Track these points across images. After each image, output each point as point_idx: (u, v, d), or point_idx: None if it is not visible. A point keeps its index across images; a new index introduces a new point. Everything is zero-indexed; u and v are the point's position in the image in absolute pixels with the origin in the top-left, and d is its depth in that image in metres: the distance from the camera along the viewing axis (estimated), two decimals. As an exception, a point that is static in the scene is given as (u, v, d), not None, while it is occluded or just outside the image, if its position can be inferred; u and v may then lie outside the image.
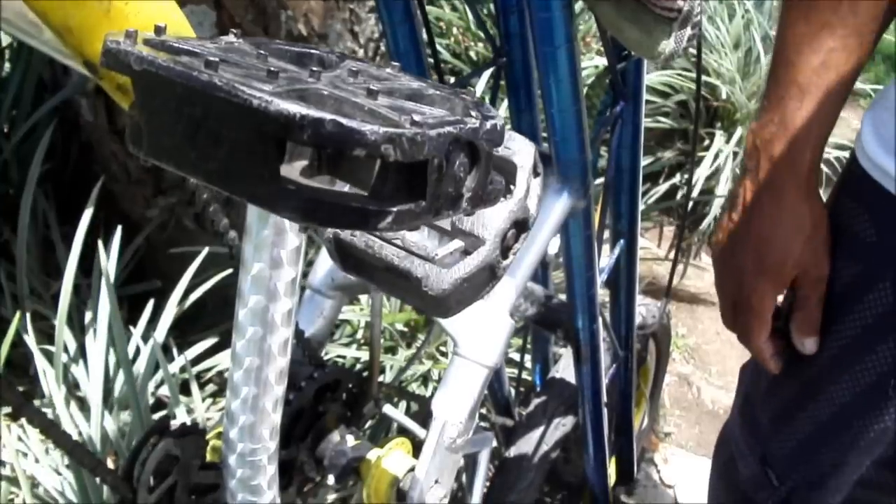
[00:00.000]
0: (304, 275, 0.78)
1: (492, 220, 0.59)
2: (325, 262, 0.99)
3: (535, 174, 0.61)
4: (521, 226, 0.60)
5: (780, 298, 1.09)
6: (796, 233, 0.99)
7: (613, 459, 1.71)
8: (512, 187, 0.59)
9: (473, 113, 0.41)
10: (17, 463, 1.38)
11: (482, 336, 0.90)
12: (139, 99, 0.39)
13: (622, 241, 1.25)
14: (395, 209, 0.36)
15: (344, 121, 0.33)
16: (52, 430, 0.69)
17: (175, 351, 1.73)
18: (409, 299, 0.62)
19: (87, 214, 1.61)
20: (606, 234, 1.31)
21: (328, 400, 0.94)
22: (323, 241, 0.64)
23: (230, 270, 1.80)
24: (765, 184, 0.99)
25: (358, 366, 1.82)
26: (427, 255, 0.58)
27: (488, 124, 0.40)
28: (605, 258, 1.25)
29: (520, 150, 0.59)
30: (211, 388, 1.83)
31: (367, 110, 0.36)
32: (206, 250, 1.70)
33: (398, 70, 0.47)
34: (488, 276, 0.60)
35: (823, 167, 3.04)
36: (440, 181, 0.37)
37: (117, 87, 0.48)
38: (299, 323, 0.98)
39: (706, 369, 2.79)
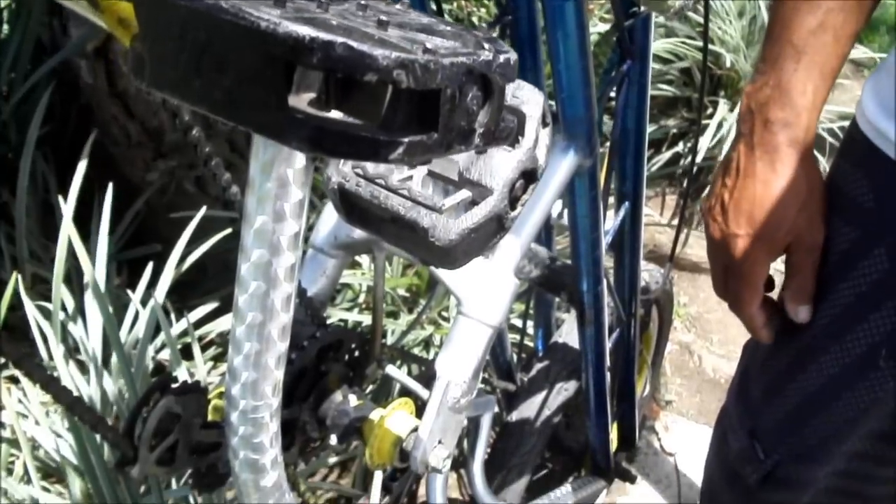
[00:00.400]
0: (307, 236, 0.77)
1: (500, 170, 0.58)
2: (327, 221, 0.98)
3: (544, 124, 0.59)
4: (529, 176, 0.59)
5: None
6: (791, 198, 0.97)
7: (615, 425, 1.71)
8: (520, 137, 0.58)
9: (486, 46, 0.40)
10: (17, 425, 1.37)
11: (486, 295, 0.89)
12: (142, 26, 0.37)
13: (627, 204, 1.24)
14: (406, 140, 0.35)
15: (355, 44, 0.32)
16: (51, 386, 0.68)
17: (173, 317, 1.72)
18: (416, 251, 0.61)
19: (82, 166, 1.59)
20: (611, 200, 1.30)
21: (330, 360, 0.93)
22: (328, 191, 0.63)
23: (229, 230, 1.79)
24: (759, 148, 0.97)
25: (360, 329, 1.81)
26: (434, 206, 0.57)
27: (501, 58, 0.39)
28: (610, 221, 1.23)
29: (528, 99, 0.58)
30: (212, 352, 1.83)
31: (377, 39, 0.34)
32: (203, 210, 1.69)
33: (407, 7, 0.46)
34: (496, 226, 0.59)
35: (826, 136, 3.02)
36: (452, 112, 0.36)
37: (119, 22, 0.46)
38: (301, 282, 0.97)
39: (707, 338, 2.79)
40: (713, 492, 1.49)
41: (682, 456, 2.38)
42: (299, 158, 0.57)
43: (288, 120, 0.35)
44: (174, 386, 0.79)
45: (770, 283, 1.08)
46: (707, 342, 2.78)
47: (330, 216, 0.98)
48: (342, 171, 0.61)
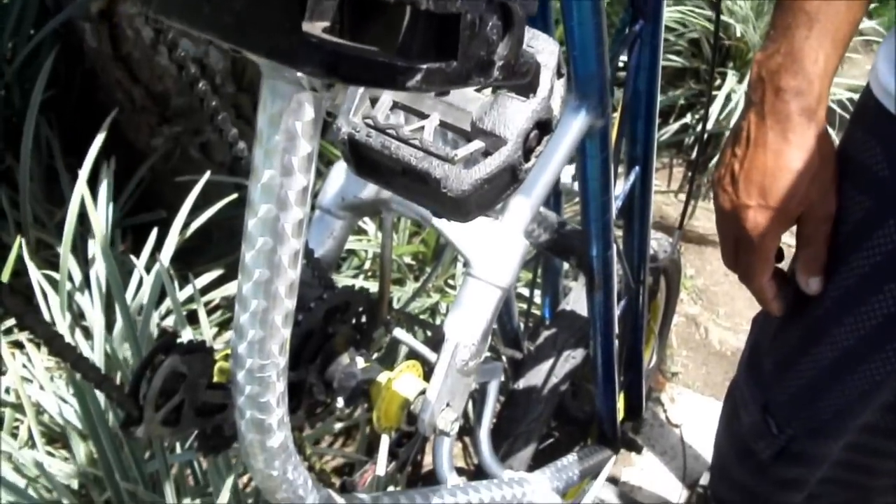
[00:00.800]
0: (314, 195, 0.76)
1: (514, 120, 0.56)
2: (335, 182, 0.97)
3: (559, 75, 0.58)
4: (544, 127, 0.58)
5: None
6: (803, 168, 0.95)
7: (622, 395, 1.70)
8: (535, 86, 0.56)
9: (507, -26, 0.38)
10: (21, 389, 1.37)
11: (496, 256, 0.88)
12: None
13: (637, 168, 1.22)
14: (424, 66, 0.34)
15: (372, -40, 0.31)
16: (55, 342, 0.67)
17: (177, 284, 1.71)
18: (427, 203, 0.59)
19: (99, 139, 1.57)
20: (620, 169, 1.28)
21: (338, 322, 0.92)
22: (337, 143, 0.61)
23: (234, 196, 1.77)
24: (770, 117, 0.95)
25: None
26: (446, 156, 0.56)
27: (522, -12, 0.37)
28: (620, 186, 1.22)
29: (543, 48, 0.56)
30: (217, 318, 1.82)
31: (395, -42, 0.33)
32: (207, 174, 1.67)
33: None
34: (510, 178, 0.57)
35: (836, 109, 3.00)
36: (472, 40, 0.35)
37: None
38: (308, 243, 0.96)
39: (714, 310, 2.78)
40: (724, 467, 1.48)
41: (688, 428, 2.37)
42: (308, 110, 0.56)
43: (302, 44, 0.33)
44: (179, 345, 0.78)
45: (780, 255, 1.06)
46: (713, 315, 2.77)
47: (337, 177, 0.97)
48: (352, 122, 0.60)
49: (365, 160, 0.61)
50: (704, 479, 2.02)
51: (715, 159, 3.04)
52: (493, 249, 0.88)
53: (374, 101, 0.61)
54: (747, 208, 0.98)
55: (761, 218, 0.98)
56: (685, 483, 2.21)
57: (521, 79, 0.41)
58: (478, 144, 0.57)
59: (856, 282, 1.04)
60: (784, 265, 1.10)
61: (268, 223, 0.61)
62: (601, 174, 1.03)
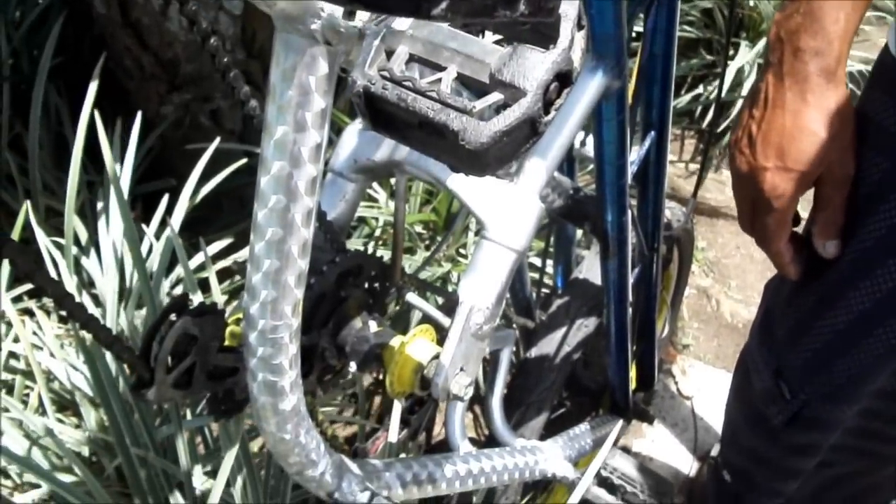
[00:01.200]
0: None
1: (533, 71, 0.55)
2: (347, 144, 0.95)
3: (579, 27, 0.57)
4: (564, 79, 0.56)
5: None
6: (822, 129, 0.94)
7: (634, 365, 1.69)
8: (555, 37, 0.55)
9: None
10: (31, 357, 1.36)
11: (511, 219, 0.87)
12: None
13: (652, 133, 1.21)
14: (449, -6, 0.32)
15: None
16: (66, 301, 0.66)
17: (186, 253, 1.70)
18: (445, 157, 0.58)
19: (93, 87, 1.55)
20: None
21: (350, 285, 0.91)
22: (352, 96, 0.60)
23: (244, 161, 1.76)
24: (789, 77, 0.94)
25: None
26: (464, 108, 0.54)
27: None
28: (634, 152, 1.20)
29: (564, -1, 0.55)
30: (228, 286, 1.81)
31: None
32: (216, 141, 1.66)
33: None
34: (529, 130, 0.56)
35: (850, 78, 2.97)
36: (498, -30, 0.33)
37: None
38: (321, 206, 0.95)
39: (725, 283, 2.76)
40: (735, 433, 1.47)
41: (699, 400, 2.37)
42: (322, 65, 0.55)
43: (321, -29, 0.32)
44: (191, 307, 0.77)
45: (797, 219, 1.05)
46: (725, 287, 2.75)
47: (350, 139, 0.96)
48: (368, 75, 0.58)
49: (380, 114, 0.59)
50: (716, 451, 2.01)
51: (728, 131, 3.02)
52: (508, 212, 0.87)
53: (389, 54, 0.60)
54: (765, 170, 0.97)
55: (779, 180, 0.97)
56: (696, 455, 2.21)
57: (547, 16, 0.39)
58: (496, 96, 0.56)
59: (872, 244, 1.03)
60: (799, 228, 1.09)
61: (281, 181, 0.60)
62: (617, 137, 1.01)
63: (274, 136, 0.58)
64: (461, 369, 0.88)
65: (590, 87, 0.91)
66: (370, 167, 0.93)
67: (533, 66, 0.55)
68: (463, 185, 0.88)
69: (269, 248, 0.64)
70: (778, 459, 1.36)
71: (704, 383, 2.42)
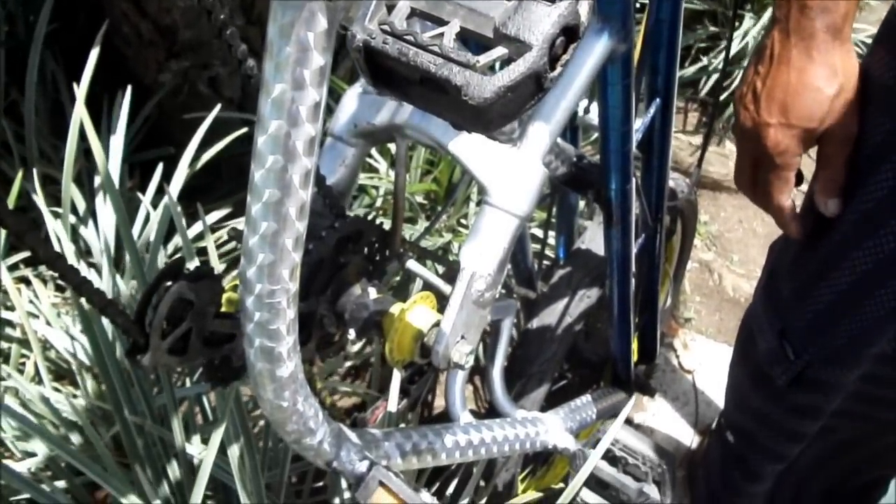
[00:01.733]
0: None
1: (539, 25, 0.53)
2: (347, 108, 0.94)
3: (586, -20, 0.55)
4: (570, 33, 0.55)
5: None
6: (827, 86, 0.94)
7: (635, 337, 1.67)
8: (563, -10, 0.53)
9: None
10: (27, 325, 1.35)
11: (514, 184, 0.85)
12: None
13: (658, 101, 1.18)
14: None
15: None
16: (58, 263, 0.65)
17: (184, 222, 1.69)
18: (447, 114, 0.56)
19: (93, 59, 1.53)
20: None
21: (349, 252, 0.90)
22: (351, 51, 0.58)
23: (244, 130, 1.74)
24: (795, 34, 0.94)
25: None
26: (467, 62, 0.53)
27: None
28: (639, 121, 1.18)
29: (571, -50, 0.53)
30: (226, 256, 1.80)
31: None
32: (217, 108, 1.64)
33: None
34: (534, 86, 0.54)
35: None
36: None
37: None
38: (320, 171, 0.93)
39: (727, 257, 2.75)
40: (739, 395, 1.47)
41: (701, 374, 2.36)
42: (321, 21, 0.53)
43: None
44: (187, 272, 0.75)
45: (800, 178, 1.05)
46: (727, 261, 2.74)
47: (350, 103, 0.94)
48: (368, 29, 0.56)
49: (380, 69, 0.58)
50: (717, 425, 2.00)
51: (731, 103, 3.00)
52: (511, 177, 0.85)
53: (390, 9, 0.58)
54: (768, 126, 0.97)
55: (782, 136, 0.97)
56: (697, 429, 2.20)
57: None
58: (501, 51, 0.54)
59: (874, 205, 1.02)
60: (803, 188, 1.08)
61: (278, 140, 0.58)
62: (622, 102, 0.99)
63: (271, 94, 0.56)
64: (462, 337, 0.87)
65: (595, 50, 0.89)
66: (370, 131, 0.92)
67: (539, 20, 0.53)
68: (465, 150, 0.86)
69: (267, 209, 0.62)
70: (781, 420, 1.35)
71: (706, 357, 2.41)
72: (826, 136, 0.99)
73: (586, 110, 1.31)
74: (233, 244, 1.80)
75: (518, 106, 0.54)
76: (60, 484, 1.26)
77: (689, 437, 2.17)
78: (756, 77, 0.98)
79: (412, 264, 0.98)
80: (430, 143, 0.88)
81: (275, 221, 0.63)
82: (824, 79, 0.94)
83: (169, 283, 0.74)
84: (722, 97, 2.96)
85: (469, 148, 0.85)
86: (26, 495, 1.24)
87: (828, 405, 1.27)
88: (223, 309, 0.83)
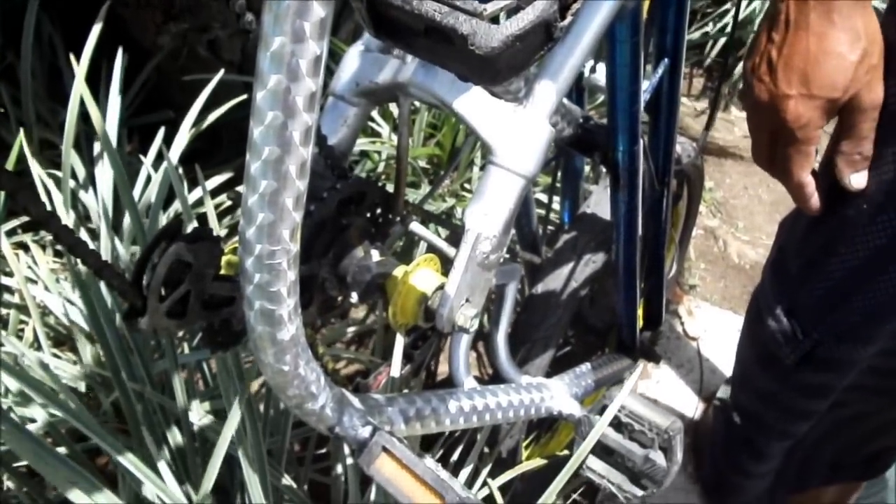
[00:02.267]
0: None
1: (550, -30, 0.51)
2: (348, 66, 0.91)
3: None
4: (582, -20, 0.52)
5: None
6: (850, 52, 0.88)
7: (641, 303, 1.66)
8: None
9: None
10: (25, 290, 1.33)
11: (520, 143, 0.83)
12: None
13: (666, 61, 1.16)
14: None
15: None
16: (52, 223, 0.63)
17: (186, 186, 1.67)
18: (453, 65, 0.54)
19: (96, 30, 1.51)
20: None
21: (352, 213, 0.88)
22: (353, 2, 0.56)
23: (244, 97, 1.72)
24: None
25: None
26: (474, 10, 0.50)
27: None
28: (646, 82, 1.16)
29: None
30: (227, 221, 1.78)
31: None
32: (221, 73, 1.62)
33: None
34: (543, 36, 0.52)
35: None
36: None
37: None
38: (321, 130, 0.91)
39: (733, 223, 2.73)
40: (746, 374, 1.45)
41: (705, 341, 2.35)
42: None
43: None
44: (185, 233, 0.73)
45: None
46: (732, 228, 2.72)
47: (352, 61, 0.91)
48: (369, -24, 0.54)
49: (384, 19, 0.55)
50: (722, 392, 1.99)
51: (739, 69, 2.97)
52: (517, 136, 0.83)
53: (393, -44, 0.55)
54: (787, 98, 0.91)
55: (803, 108, 0.91)
56: (701, 396, 2.19)
57: None
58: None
59: (891, 178, 0.98)
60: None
61: (278, 96, 0.56)
62: (631, 61, 0.97)
63: (270, 47, 0.54)
64: (467, 300, 0.85)
65: (603, 6, 0.86)
66: (372, 90, 0.90)
67: (549, -35, 0.51)
68: (469, 108, 0.84)
69: (266, 167, 0.61)
70: (789, 401, 1.34)
71: (711, 324, 2.39)
72: (850, 105, 0.93)
73: (592, 70, 1.29)
74: (234, 213, 1.78)
75: (527, 56, 0.52)
76: (61, 450, 1.24)
77: (693, 405, 2.16)
78: (770, 45, 0.92)
79: (416, 226, 0.96)
80: (433, 101, 0.85)
81: (274, 180, 0.61)
82: (847, 44, 0.88)
83: (167, 245, 0.72)
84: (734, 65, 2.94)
85: (474, 106, 0.83)
86: (24, 462, 1.23)
87: (839, 383, 1.25)
88: (222, 271, 0.81)
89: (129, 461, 1.07)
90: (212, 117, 1.68)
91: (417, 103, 1.94)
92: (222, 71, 1.63)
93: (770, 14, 0.93)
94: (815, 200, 1.02)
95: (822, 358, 1.19)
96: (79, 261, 0.67)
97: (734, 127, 2.99)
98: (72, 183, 1.55)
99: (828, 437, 1.52)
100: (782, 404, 1.35)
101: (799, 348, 1.20)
